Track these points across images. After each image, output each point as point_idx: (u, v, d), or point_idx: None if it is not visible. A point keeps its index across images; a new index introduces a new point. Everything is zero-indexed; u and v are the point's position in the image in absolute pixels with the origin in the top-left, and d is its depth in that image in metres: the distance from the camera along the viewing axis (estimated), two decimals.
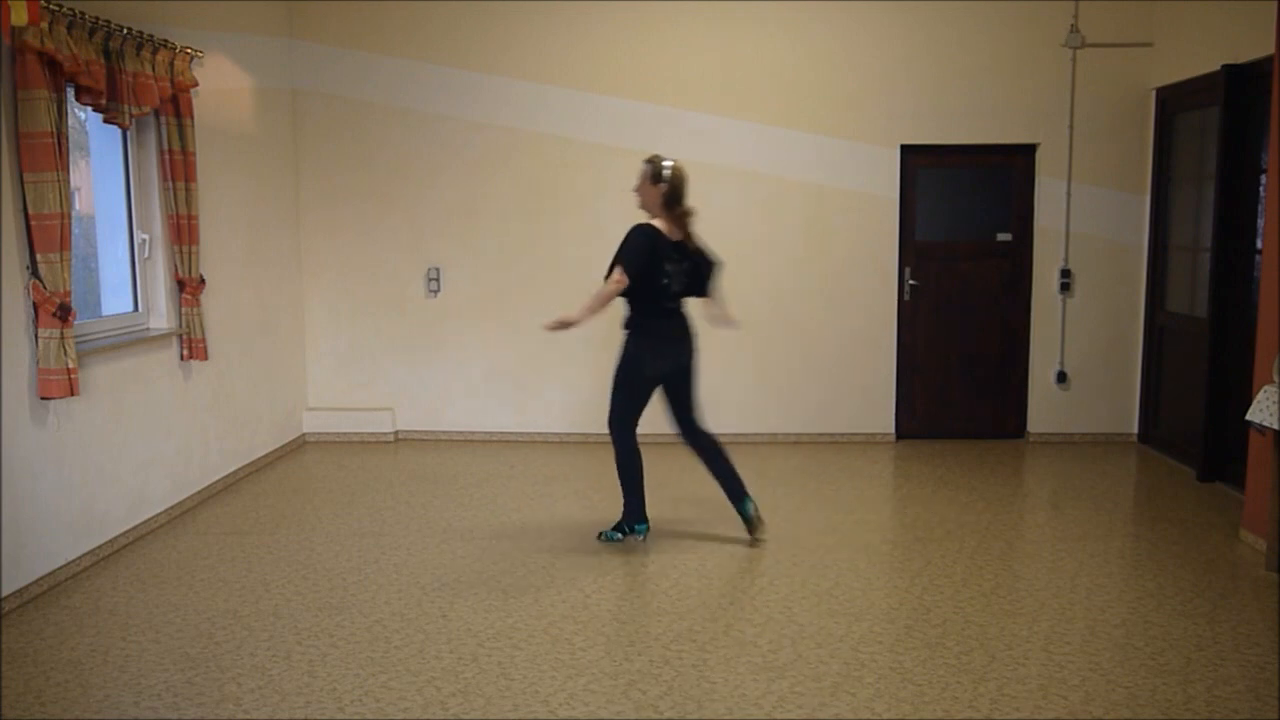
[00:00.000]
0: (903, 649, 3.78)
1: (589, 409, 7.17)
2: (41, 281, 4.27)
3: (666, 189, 4.72)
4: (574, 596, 4.31)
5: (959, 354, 7.13)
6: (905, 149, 6.92)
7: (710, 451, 4.94)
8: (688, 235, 4.81)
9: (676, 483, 6.04)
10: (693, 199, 6.93)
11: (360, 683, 3.54)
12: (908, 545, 4.98)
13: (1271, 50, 5.05)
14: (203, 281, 5.58)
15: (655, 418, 5.02)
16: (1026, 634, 3.90)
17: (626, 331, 4.84)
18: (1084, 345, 7.03)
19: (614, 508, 5.58)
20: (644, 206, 4.82)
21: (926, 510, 5.53)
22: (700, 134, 6.92)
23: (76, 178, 5.03)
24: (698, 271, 4.83)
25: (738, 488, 4.93)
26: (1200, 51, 6.11)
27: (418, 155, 7.03)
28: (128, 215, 5.36)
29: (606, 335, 7.10)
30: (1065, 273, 6.96)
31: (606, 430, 7.16)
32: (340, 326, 7.23)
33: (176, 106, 5.30)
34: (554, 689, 3.48)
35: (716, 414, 7.09)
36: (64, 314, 4.31)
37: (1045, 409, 7.09)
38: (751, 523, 4.94)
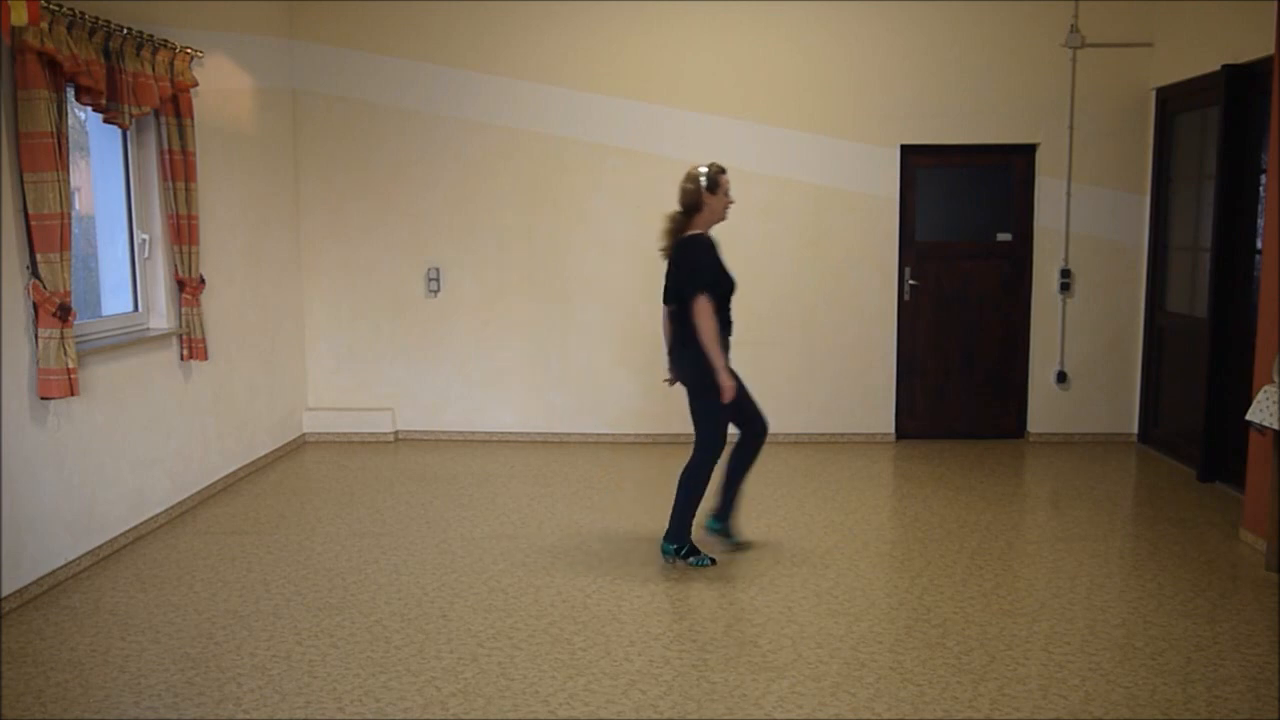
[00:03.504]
0: (903, 649, 3.78)
1: (589, 409, 7.17)
2: (41, 281, 4.27)
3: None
4: (574, 596, 4.31)
5: (959, 354, 7.13)
6: (905, 149, 6.92)
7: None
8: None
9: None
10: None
11: (360, 683, 3.54)
12: (908, 545, 4.98)
13: (1271, 50, 5.05)
14: (203, 281, 5.58)
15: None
16: (1026, 634, 3.90)
17: None
18: (1084, 345, 7.03)
19: (614, 506, 5.58)
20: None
21: (926, 510, 5.53)
22: (700, 134, 6.92)
23: (76, 178, 5.03)
24: (674, 277, 4.63)
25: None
26: (1200, 51, 6.11)
27: (418, 155, 7.03)
28: (128, 215, 5.36)
29: (606, 334, 7.12)
30: (1065, 273, 6.96)
31: (609, 429, 7.23)
32: (340, 326, 7.23)
33: (176, 106, 5.30)
34: (554, 689, 3.48)
35: None
36: (64, 314, 4.31)
37: (1045, 409, 7.09)
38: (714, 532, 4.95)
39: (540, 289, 7.08)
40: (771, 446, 7.00)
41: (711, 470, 4.65)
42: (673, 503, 4.69)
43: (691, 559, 4.66)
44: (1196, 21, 6.22)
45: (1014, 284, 7.06)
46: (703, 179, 4.56)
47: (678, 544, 4.67)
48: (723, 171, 4.61)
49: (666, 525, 4.73)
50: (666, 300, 4.65)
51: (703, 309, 4.44)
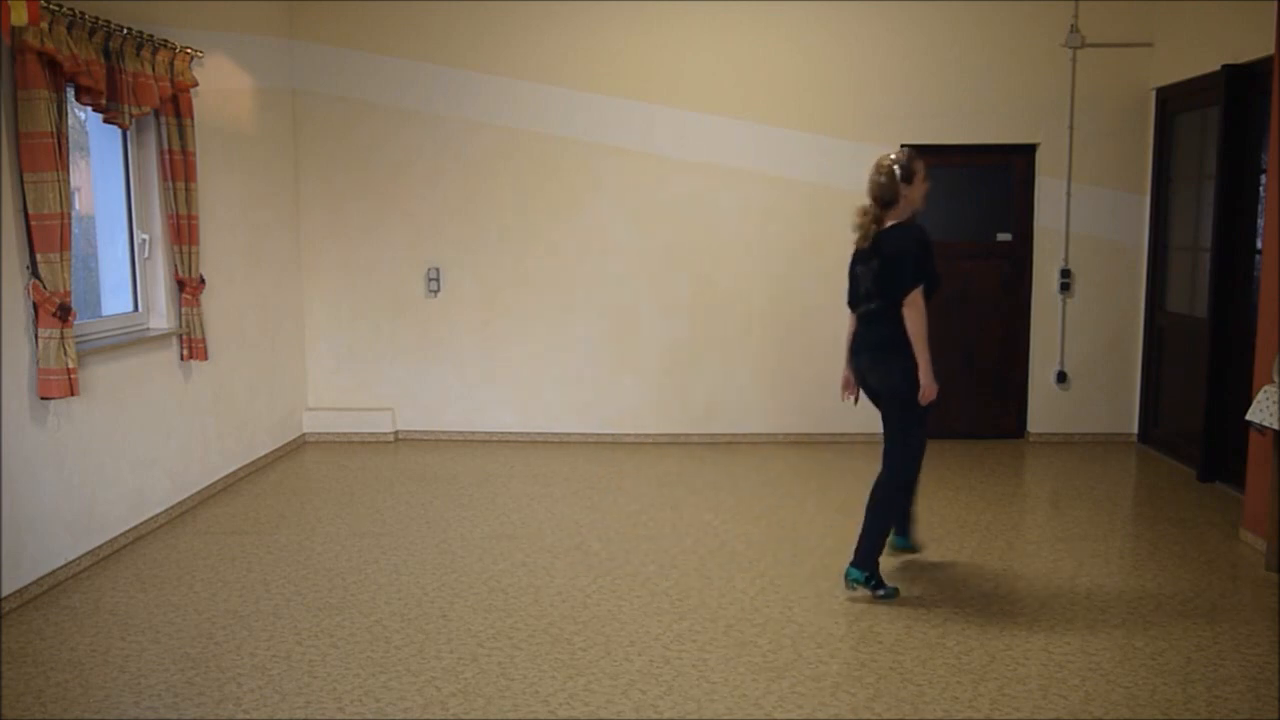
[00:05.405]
0: (902, 649, 3.78)
1: (588, 408, 7.17)
2: (41, 281, 4.27)
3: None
4: (574, 596, 4.31)
5: (959, 354, 7.12)
6: (905, 149, 6.91)
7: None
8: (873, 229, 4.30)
9: (683, 482, 6.05)
10: (694, 200, 7.00)
11: (360, 683, 3.54)
12: None
13: (1271, 50, 5.05)
14: (203, 281, 5.58)
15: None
16: (1026, 634, 3.90)
17: None
18: (1084, 345, 7.03)
19: (613, 506, 5.58)
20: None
21: (926, 510, 5.52)
22: (700, 134, 6.92)
23: (76, 178, 5.03)
24: (876, 272, 4.23)
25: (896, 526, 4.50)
26: (1200, 51, 6.11)
27: (417, 155, 7.03)
28: (128, 215, 5.36)
29: (606, 334, 7.12)
30: (1065, 273, 6.96)
31: (609, 429, 7.22)
32: (340, 326, 7.23)
33: (176, 106, 5.30)
34: (554, 689, 3.48)
35: (717, 414, 7.14)
36: (64, 314, 4.31)
37: (1045, 409, 7.09)
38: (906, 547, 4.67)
39: (540, 289, 7.08)
40: (771, 447, 7.04)
41: (910, 489, 4.30)
42: (862, 525, 4.25)
43: (879, 591, 4.20)
44: (1196, 21, 6.22)
45: (1014, 284, 7.06)
46: (897, 169, 4.15)
47: (867, 572, 4.20)
48: (918, 157, 4.18)
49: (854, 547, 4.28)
50: (856, 303, 4.28)
51: (916, 303, 4.07)
